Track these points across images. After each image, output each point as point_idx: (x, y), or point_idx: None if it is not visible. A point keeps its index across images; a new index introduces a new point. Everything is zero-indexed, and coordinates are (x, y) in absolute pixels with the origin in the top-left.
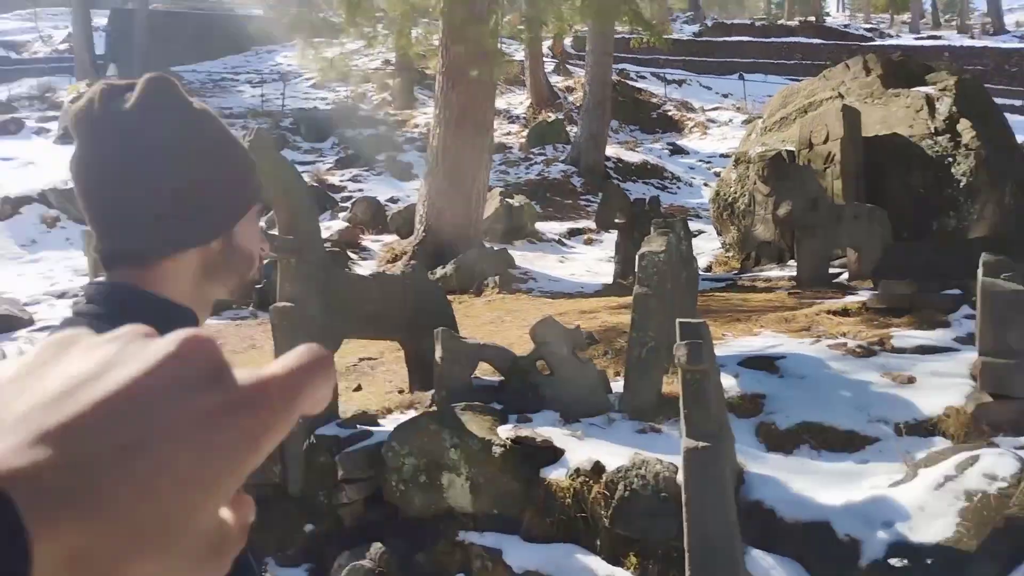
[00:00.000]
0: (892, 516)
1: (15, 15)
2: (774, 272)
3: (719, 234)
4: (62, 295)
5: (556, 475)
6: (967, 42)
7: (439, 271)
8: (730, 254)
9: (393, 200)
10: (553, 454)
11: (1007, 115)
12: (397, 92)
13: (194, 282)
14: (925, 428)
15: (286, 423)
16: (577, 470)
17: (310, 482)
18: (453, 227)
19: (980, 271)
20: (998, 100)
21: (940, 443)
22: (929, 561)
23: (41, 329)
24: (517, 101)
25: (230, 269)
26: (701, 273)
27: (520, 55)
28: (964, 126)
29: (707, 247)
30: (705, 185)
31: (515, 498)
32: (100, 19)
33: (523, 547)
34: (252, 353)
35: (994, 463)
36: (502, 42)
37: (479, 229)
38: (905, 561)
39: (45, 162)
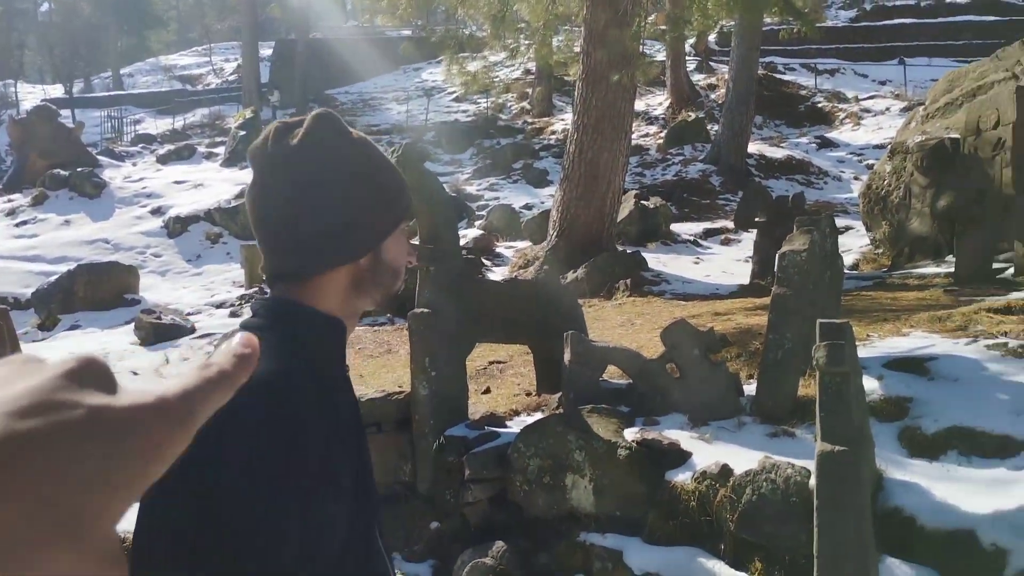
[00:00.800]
0: None
1: (192, 51)
2: (929, 269)
3: (868, 230)
4: (220, 305)
5: (681, 478)
6: None
7: (570, 275)
8: (880, 251)
9: (528, 207)
10: (679, 457)
11: None
12: (536, 101)
13: (345, 295)
14: None
15: (185, 436)
16: (703, 473)
17: (438, 481)
18: (586, 231)
19: None
20: None
21: None
22: None
23: (202, 336)
24: (656, 102)
25: (377, 283)
26: (847, 271)
27: (662, 55)
28: None
29: (854, 244)
30: (855, 179)
31: (638, 500)
32: (266, 50)
33: (645, 549)
34: (387, 357)
35: None
36: (644, 44)
37: (612, 233)
38: None
39: (212, 183)
